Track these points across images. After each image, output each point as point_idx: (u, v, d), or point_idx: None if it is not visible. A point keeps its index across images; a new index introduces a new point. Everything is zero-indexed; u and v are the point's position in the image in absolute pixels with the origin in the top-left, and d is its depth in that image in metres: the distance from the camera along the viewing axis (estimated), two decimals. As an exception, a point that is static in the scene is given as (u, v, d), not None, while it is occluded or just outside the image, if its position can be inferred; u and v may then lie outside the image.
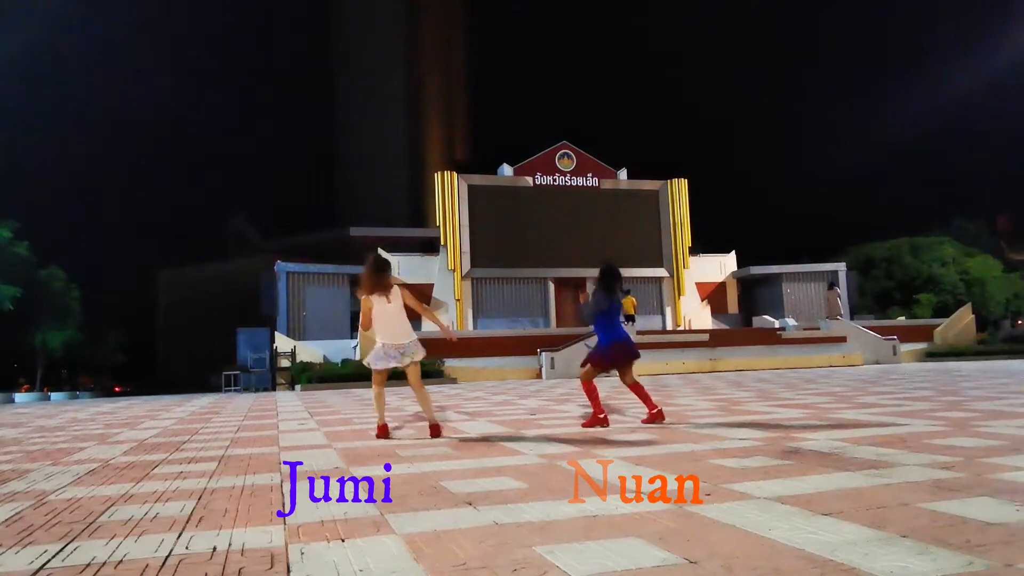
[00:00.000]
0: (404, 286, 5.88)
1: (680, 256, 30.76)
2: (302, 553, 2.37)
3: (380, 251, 28.61)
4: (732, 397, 9.41)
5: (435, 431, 5.73)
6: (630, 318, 24.76)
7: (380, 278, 5.68)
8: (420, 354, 5.73)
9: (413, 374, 5.80)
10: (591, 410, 6.17)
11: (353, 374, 18.77)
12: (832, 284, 27.43)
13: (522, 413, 7.88)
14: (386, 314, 5.66)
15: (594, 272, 6.45)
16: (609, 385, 14.55)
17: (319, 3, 74.70)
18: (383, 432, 5.75)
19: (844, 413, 6.56)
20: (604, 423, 6.00)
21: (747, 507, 2.79)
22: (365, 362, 5.89)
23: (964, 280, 35.24)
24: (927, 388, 9.73)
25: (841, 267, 31.47)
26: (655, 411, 6.11)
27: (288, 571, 2.18)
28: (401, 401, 11.18)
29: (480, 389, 15.08)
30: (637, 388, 6.25)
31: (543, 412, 7.98)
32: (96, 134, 63.29)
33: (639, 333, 23.04)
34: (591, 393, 6.18)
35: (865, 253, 37.69)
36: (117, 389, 41.32)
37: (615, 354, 6.21)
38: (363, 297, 5.73)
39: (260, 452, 5.30)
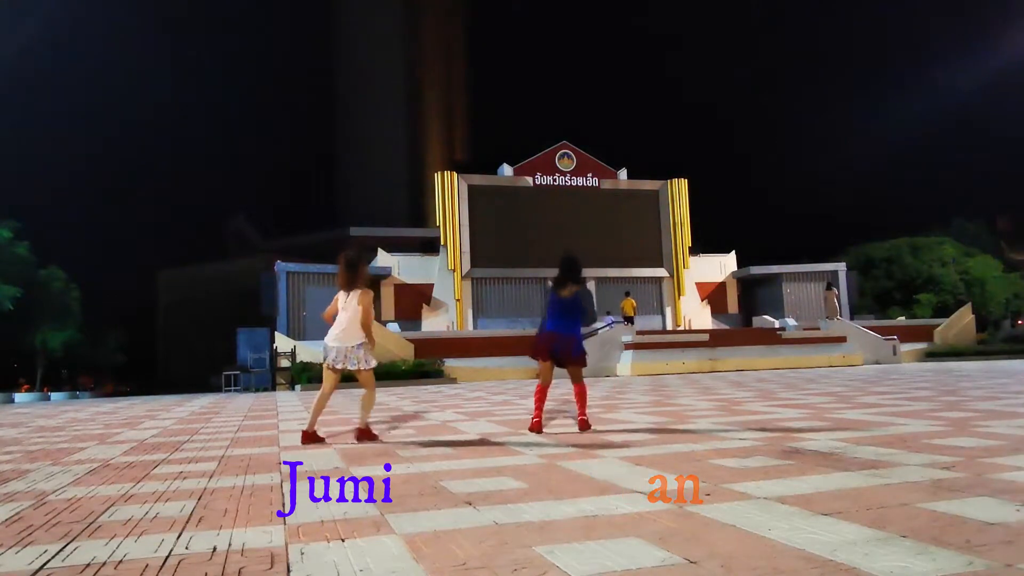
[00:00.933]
0: (364, 293, 5.66)
1: (680, 256, 30.76)
2: (302, 553, 2.37)
3: (374, 252, 28.75)
4: (732, 397, 9.41)
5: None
6: (629, 319, 24.75)
7: (351, 275, 5.67)
8: (365, 363, 5.53)
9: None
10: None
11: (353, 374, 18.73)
12: (830, 284, 27.46)
13: (522, 413, 7.87)
14: (343, 314, 5.61)
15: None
16: (610, 385, 14.54)
17: (319, 3, 74.77)
18: (311, 438, 5.53)
19: (844, 413, 6.55)
20: (534, 428, 5.73)
21: (747, 507, 2.79)
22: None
23: (964, 280, 35.27)
24: (927, 388, 9.73)
25: (841, 267, 31.46)
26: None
27: (288, 571, 2.18)
28: (400, 401, 11.19)
29: (480, 389, 15.07)
30: (578, 391, 5.81)
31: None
32: (96, 134, 63.33)
33: (639, 333, 23.05)
34: (537, 395, 5.84)
35: (865, 253, 37.74)
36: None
37: (533, 346, 5.88)
38: (337, 295, 5.76)
39: (260, 452, 5.30)
